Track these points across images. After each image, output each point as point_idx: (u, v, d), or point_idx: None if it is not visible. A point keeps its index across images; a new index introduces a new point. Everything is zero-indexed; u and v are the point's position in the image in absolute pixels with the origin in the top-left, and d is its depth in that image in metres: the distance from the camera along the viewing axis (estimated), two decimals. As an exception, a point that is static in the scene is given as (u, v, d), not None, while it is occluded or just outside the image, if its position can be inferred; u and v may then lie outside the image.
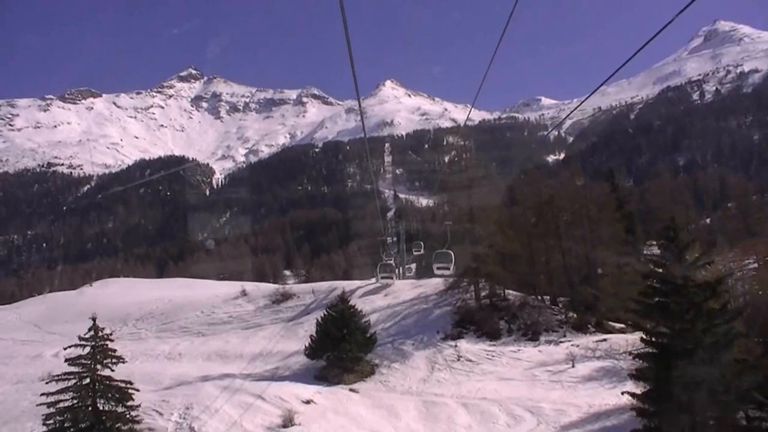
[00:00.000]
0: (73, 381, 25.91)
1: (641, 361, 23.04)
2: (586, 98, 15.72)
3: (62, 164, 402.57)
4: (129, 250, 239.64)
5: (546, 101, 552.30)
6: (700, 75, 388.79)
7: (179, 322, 49.37)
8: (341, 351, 34.10)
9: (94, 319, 26.64)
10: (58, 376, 25.91)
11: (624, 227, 46.40)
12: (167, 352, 42.66)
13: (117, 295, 61.95)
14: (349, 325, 34.91)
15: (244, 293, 53.33)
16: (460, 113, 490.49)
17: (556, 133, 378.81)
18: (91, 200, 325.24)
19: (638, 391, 22.62)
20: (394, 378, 34.33)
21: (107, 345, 26.43)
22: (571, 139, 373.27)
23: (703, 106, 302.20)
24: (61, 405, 25.47)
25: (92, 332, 26.41)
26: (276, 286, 60.82)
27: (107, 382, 26.21)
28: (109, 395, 26.20)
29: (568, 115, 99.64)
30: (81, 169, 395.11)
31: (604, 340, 37.87)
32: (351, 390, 32.64)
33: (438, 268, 32.44)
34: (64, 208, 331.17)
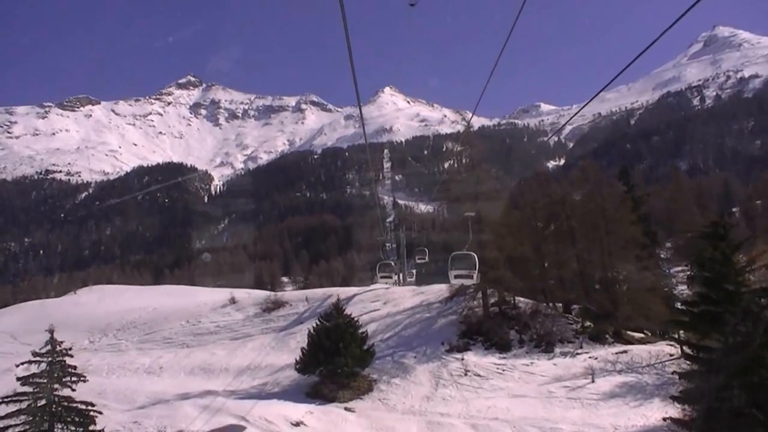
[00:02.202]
0: (27, 402, 22.74)
1: (679, 378, 19.82)
2: (586, 104, 14.25)
3: (60, 171, 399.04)
4: (126, 258, 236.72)
5: (545, 107, 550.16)
6: (700, 80, 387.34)
7: (163, 332, 45.93)
8: (336, 365, 30.79)
9: (51, 332, 23.47)
10: (8, 397, 22.70)
11: (641, 230, 43.00)
12: (147, 365, 39.28)
13: (100, 304, 58.59)
14: (344, 336, 31.56)
15: (233, 301, 49.90)
16: (459, 120, 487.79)
17: (556, 138, 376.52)
18: (89, 208, 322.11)
19: (680, 415, 19.37)
20: (395, 395, 31.02)
21: (65, 361, 23.22)
22: (571, 144, 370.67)
23: (703, 112, 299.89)
24: (12, 431, 22.31)
25: (49, 346, 23.27)
26: (267, 293, 57.15)
27: (66, 404, 23.06)
28: (69, 419, 23.06)
29: (568, 120, 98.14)
30: (79, 176, 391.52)
31: (625, 351, 34.84)
32: (346, 409, 29.35)
33: (456, 276, 24.62)
34: (62, 215, 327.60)
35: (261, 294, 55.24)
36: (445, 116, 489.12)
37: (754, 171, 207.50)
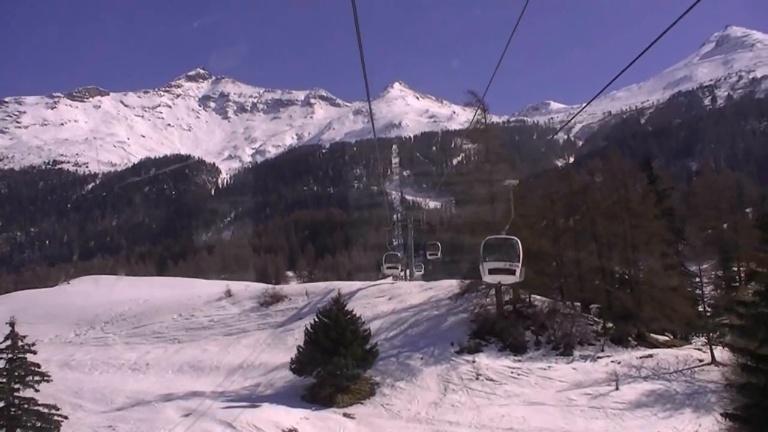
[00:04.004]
0: (-17, 404, 20.16)
1: (737, 391, 16.94)
2: (592, 99, 14.99)
3: (68, 162, 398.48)
4: (132, 249, 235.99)
5: (555, 105, 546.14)
6: (711, 80, 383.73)
7: (153, 326, 43.10)
8: (334, 366, 27.99)
9: (12, 325, 20.82)
10: (-39, 397, 20.08)
11: (665, 225, 40.10)
12: (133, 361, 36.56)
13: (91, 294, 55.91)
14: (344, 334, 28.78)
15: (229, 294, 46.98)
16: (469, 116, 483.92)
17: (566, 136, 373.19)
18: (96, 197, 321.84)
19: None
20: (399, 401, 28.32)
21: (27, 359, 20.59)
22: (580, 143, 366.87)
23: (715, 112, 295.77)
24: (-36, 436, 19.73)
25: (9, 341, 20.64)
26: (265, 286, 54.05)
27: (26, 406, 20.40)
28: (29, 423, 20.39)
29: (575, 115, 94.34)
30: (87, 167, 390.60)
31: (650, 356, 32.17)
32: (345, 415, 26.70)
33: (492, 270, 16.86)
34: (68, 205, 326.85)
35: (259, 287, 52.32)
36: (455, 113, 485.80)
37: (766, 172, 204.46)
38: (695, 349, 34.21)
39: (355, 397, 28.63)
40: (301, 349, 29.52)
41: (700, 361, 31.19)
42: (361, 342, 29.74)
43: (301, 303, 43.72)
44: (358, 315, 31.59)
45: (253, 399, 28.47)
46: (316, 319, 30.18)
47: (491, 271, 16.99)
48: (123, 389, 30.34)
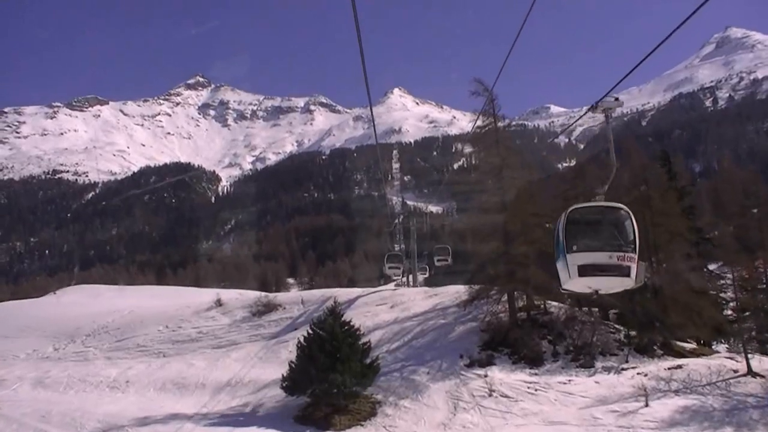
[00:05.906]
0: None
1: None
2: (593, 106, 12.56)
3: (68, 171, 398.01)
4: (132, 258, 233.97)
5: (555, 109, 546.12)
6: (712, 82, 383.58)
7: (137, 338, 40.09)
8: (330, 384, 25.03)
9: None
10: None
11: (686, 224, 37.14)
12: (113, 378, 33.41)
13: (75, 305, 52.91)
14: (341, 347, 25.78)
15: (219, 303, 43.98)
16: (469, 121, 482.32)
17: (567, 140, 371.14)
18: (96, 207, 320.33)
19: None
20: (403, 421, 25.30)
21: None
22: (582, 146, 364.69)
23: (716, 113, 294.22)
24: None
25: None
26: (259, 294, 50.90)
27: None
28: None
29: (576, 120, 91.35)
30: (86, 176, 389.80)
31: (679, 366, 29.14)
32: (343, 439, 23.66)
33: (586, 269, 9.68)
34: (68, 215, 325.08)
35: (252, 295, 49.11)
36: (455, 118, 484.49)
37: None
38: (727, 357, 31.24)
39: (354, 418, 25.60)
40: (293, 365, 26.51)
41: (735, 371, 28.22)
42: (360, 356, 26.75)
43: (296, 312, 40.70)
44: (357, 325, 28.54)
45: (240, 421, 25.52)
46: (310, 332, 27.19)
47: (583, 271, 10.04)
48: (96, 411, 27.16)
